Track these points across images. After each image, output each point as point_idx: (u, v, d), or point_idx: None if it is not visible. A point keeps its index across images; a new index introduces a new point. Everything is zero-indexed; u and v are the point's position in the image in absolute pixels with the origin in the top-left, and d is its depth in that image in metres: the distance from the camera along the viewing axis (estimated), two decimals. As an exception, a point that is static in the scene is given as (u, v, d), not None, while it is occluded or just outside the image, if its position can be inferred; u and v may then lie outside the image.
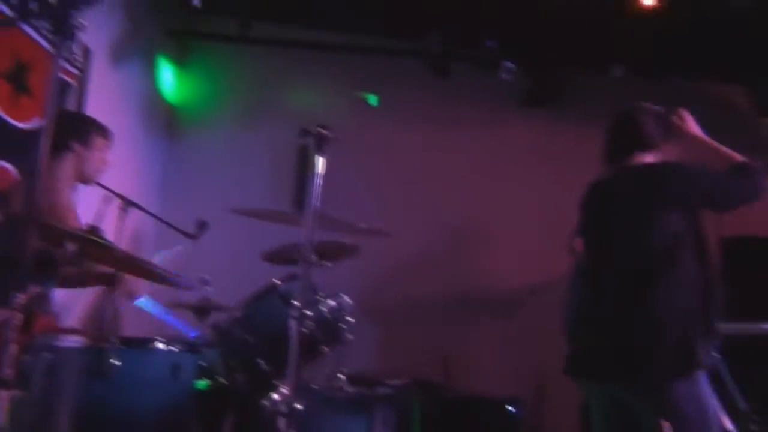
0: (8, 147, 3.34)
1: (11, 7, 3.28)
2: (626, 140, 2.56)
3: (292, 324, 1.94)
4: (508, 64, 4.68)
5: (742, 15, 4.12)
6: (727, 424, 2.86)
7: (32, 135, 3.42)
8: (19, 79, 3.43)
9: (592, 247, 2.51)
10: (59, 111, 3.03)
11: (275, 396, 2.38)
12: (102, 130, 2.98)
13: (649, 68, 4.83)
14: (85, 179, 2.98)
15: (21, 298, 1.65)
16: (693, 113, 2.62)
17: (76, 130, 2.89)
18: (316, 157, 2.09)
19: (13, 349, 1.62)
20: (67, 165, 2.86)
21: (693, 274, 2.28)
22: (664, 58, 4.77)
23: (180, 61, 5.34)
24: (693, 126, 2.54)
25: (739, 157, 2.41)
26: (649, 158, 2.50)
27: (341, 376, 2.78)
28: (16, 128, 3.40)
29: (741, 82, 4.97)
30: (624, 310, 2.30)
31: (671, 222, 2.31)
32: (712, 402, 2.25)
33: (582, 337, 2.41)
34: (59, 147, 2.74)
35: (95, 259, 2.51)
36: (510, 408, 4.13)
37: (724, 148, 2.44)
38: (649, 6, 4.19)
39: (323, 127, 2.09)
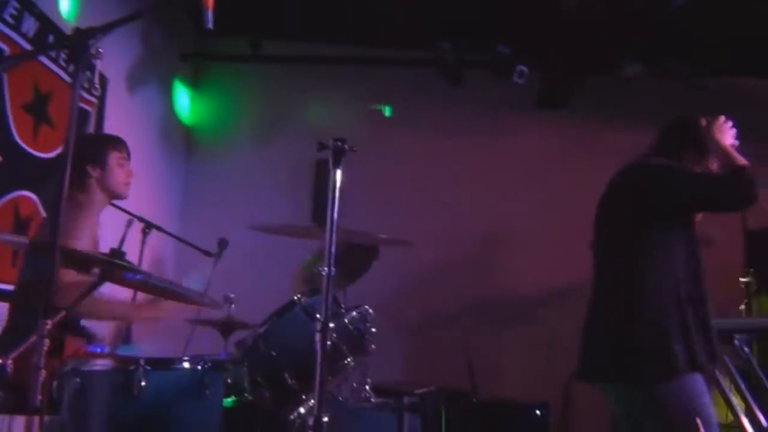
0: (31, 177, 3.41)
1: (29, 41, 3.35)
2: (659, 143, 2.55)
3: (317, 337, 1.95)
4: (522, 68, 4.68)
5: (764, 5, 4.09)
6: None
7: (54, 164, 3.48)
8: (39, 110, 3.49)
9: (594, 246, 2.54)
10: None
11: (302, 410, 2.39)
12: (114, 143, 2.91)
13: (664, 65, 4.79)
14: (115, 197, 2.92)
15: (48, 324, 1.67)
16: (713, 110, 2.59)
17: (88, 154, 2.80)
18: (334, 170, 2.10)
19: (42, 374, 1.64)
20: (93, 193, 2.86)
21: (679, 277, 2.27)
22: (680, 54, 4.74)
23: (194, 84, 5.41)
24: (717, 131, 2.49)
25: (742, 161, 2.37)
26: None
27: (367, 386, 2.78)
28: (38, 159, 3.47)
29: (762, 74, 4.92)
30: (608, 310, 2.35)
31: (659, 222, 2.32)
32: (702, 408, 2.20)
33: (583, 340, 2.44)
34: (78, 176, 2.69)
35: (120, 283, 2.54)
36: (537, 412, 4.10)
37: (734, 155, 2.40)
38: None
39: (340, 140, 2.10)
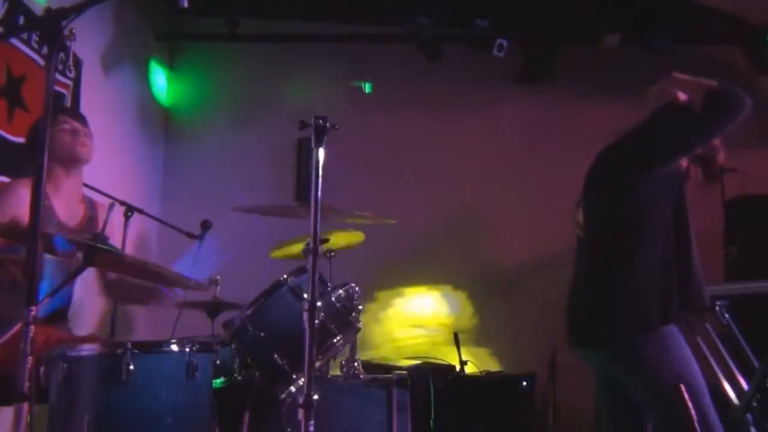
0: (6, 162, 3.35)
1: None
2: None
3: (304, 317, 1.95)
4: (501, 41, 4.66)
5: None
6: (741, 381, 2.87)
7: (29, 149, 3.42)
8: (13, 94, 3.43)
9: (584, 218, 2.57)
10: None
11: (292, 389, 2.40)
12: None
13: (641, 36, 4.80)
14: (70, 160, 2.85)
15: (33, 311, 1.65)
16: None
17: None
18: (316, 148, 2.08)
19: (29, 362, 1.62)
20: (51, 171, 2.80)
21: (663, 238, 2.29)
22: (657, 23, 4.75)
23: (171, 64, 5.34)
24: (679, 78, 2.46)
25: (710, 82, 2.32)
26: None
27: (356, 363, 2.80)
28: (13, 143, 3.41)
29: (736, 42, 4.95)
30: (591, 277, 2.40)
31: (645, 184, 2.33)
32: (682, 354, 2.24)
33: (568, 307, 2.48)
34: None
35: (104, 267, 2.52)
36: (524, 383, 4.16)
37: (697, 79, 2.38)
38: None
39: (321, 118, 2.09)
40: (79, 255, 2.15)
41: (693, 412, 2.14)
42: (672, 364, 2.21)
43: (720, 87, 2.30)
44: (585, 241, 2.51)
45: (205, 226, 3.63)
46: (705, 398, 2.18)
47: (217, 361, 2.37)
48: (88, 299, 3.31)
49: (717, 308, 3.32)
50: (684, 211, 2.35)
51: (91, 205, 2.98)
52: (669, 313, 2.24)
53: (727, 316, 3.31)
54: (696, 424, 2.15)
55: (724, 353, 3.36)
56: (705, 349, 3.35)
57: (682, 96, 2.37)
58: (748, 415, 3.12)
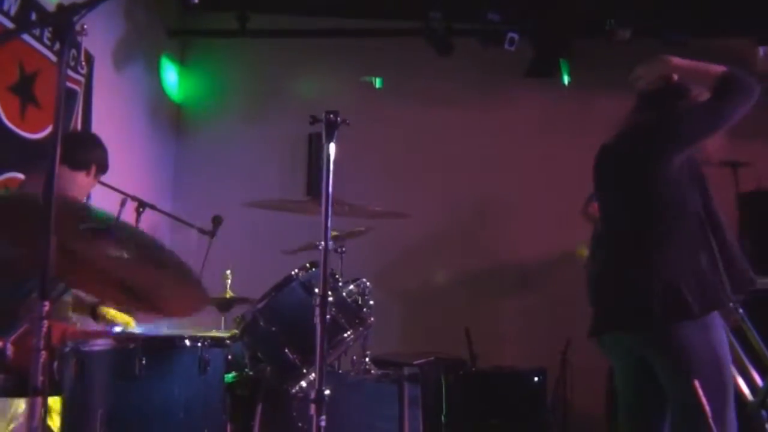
0: (21, 158, 3.37)
1: (11, 19, 3.29)
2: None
3: (315, 311, 1.95)
4: (512, 35, 4.64)
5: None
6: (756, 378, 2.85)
7: (44, 145, 3.44)
8: (25, 91, 3.44)
9: (602, 209, 2.53)
10: (87, 133, 2.96)
11: (303, 384, 2.41)
12: (106, 168, 2.96)
13: (654, 28, 4.75)
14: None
15: (46, 306, 1.66)
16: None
17: (101, 158, 2.86)
18: (327, 143, 2.08)
19: (42, 356, 1.63)
20: (79, 181, 2.84)
21: (697, 223, 2.27)
22: (669, 16, 4.70)
23: (182, 60, 5.35)
24: (674, 62, 2.47)
25: (718, 69, 2.33)
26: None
27: (367, 358, 2.80)
28: (26, 140, 3.43)
29: (751, 34, 4.89)
30: (626, 262, 2.33)
31: (671, 172, 2.31)
32: (723, 350, 2.22)
33: (597, 297, 2.42)
34: (81, 164, 2.75)
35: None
36: (535, 378, 4.14)
37: (704, 65, 2.39)
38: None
39: (332, 113, 2.08)
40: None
41: (708, 408, 2.12)
42: (706, 356, 2.19)
43: (730, 72, 2.29)
44: (608, 232, 2.47)
45: (217, 221, 3.64)
46: (728, 394, 2.16)
47: (229, 356, 2.37)
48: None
49: (731, 303, 3.28)
50: (710, 200, 2.33)
51: None
52: (709, 300, 2.21)
53: (741, 311, 3.27)
54: (710, 420, 2.13)
55: (738, 349, 3.33)
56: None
57: (675, 76, 2.38)
58: (763, 412, 3.10)
